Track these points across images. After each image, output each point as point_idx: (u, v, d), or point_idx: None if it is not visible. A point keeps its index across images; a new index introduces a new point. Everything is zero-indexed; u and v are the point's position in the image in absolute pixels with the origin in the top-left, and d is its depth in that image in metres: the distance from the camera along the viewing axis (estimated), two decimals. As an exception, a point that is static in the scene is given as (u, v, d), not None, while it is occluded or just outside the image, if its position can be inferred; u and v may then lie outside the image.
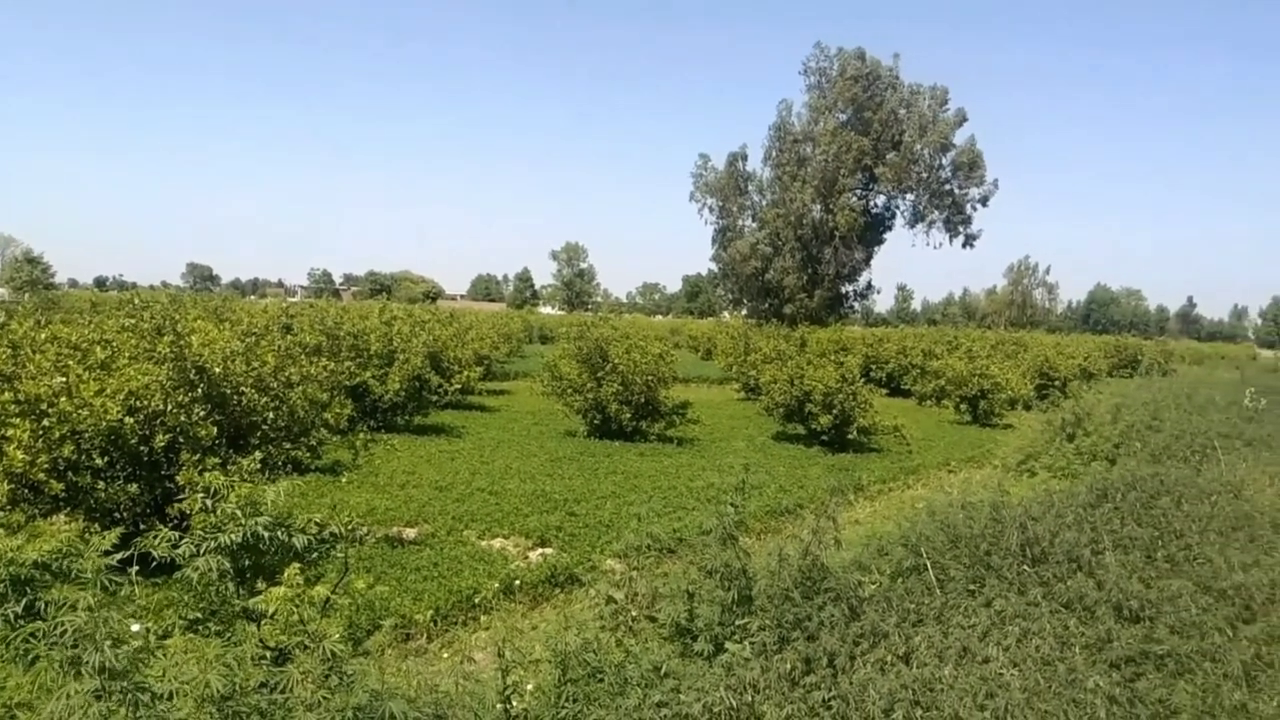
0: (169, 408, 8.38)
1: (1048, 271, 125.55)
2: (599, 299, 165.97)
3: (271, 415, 9.40)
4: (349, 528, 4.46)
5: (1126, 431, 14.14)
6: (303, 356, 11.24)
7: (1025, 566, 6.04)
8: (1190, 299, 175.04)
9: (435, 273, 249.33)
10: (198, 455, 7.99)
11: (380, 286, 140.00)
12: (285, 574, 3.75)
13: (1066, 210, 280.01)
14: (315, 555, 4.93)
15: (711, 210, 58.29)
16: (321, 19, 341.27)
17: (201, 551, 4.45)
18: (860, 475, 14.37)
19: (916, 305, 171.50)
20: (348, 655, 3.53)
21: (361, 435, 11.06)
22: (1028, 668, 4.36)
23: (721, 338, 37.74)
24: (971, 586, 5.68)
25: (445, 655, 6.68)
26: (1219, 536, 7.53)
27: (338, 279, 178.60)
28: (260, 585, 4.59)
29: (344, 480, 11.88)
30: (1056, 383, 28.66)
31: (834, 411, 17.03)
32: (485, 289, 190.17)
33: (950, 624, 4.94)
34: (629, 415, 17.03)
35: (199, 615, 4.71)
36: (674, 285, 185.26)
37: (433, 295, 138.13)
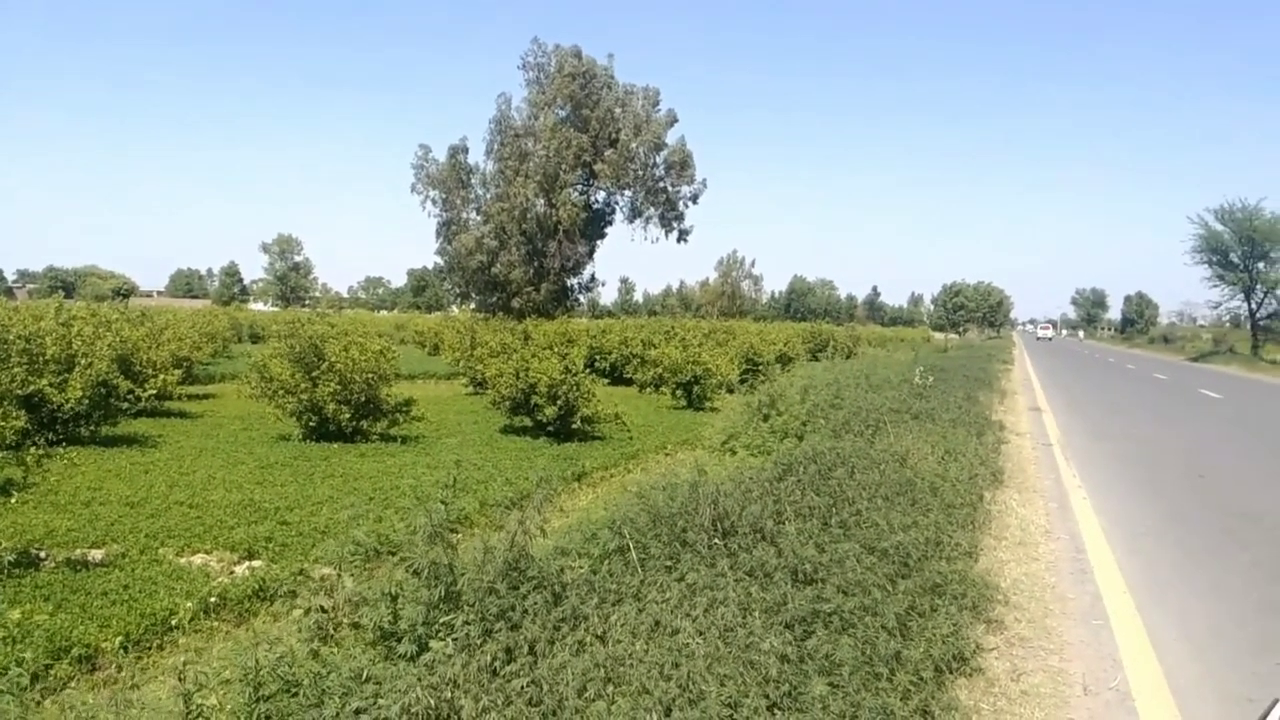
0: None
1: (753, 264, 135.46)
2: (317, 294, 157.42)
3: (-85, 433, 8.20)
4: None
5: (813, 410, 15.54)
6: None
7: (716, 540, 6.54)
8: (875, 288, 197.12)
9: (128, 267, 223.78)
10: None
11: (61, 283, 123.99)
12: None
13: (769, 208, 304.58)
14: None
15: (435, 203, 57.18)
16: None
17: None
18: (584, 463, 14.81)
19: (639, 297, 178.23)
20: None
21: (33, 450, 9.83)
22: (712, 635, 4.74)
23: (448, 332, 37.11)
24: (669, 563, 6.06)
25: (134, 684, 6.17)
26: (885, 501, 8.21)
27: (10, 276, 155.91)
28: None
29: (14, 500, 10.51)
30: (760, 367, 31.07)
31: (559, 403, 17.39)
32: (187, 284, 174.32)
33: (647, 600, 5.26)
34: (348, 415, 16.39)
35: None
36: (399, 279, 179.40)
37: (125, 292, 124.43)
